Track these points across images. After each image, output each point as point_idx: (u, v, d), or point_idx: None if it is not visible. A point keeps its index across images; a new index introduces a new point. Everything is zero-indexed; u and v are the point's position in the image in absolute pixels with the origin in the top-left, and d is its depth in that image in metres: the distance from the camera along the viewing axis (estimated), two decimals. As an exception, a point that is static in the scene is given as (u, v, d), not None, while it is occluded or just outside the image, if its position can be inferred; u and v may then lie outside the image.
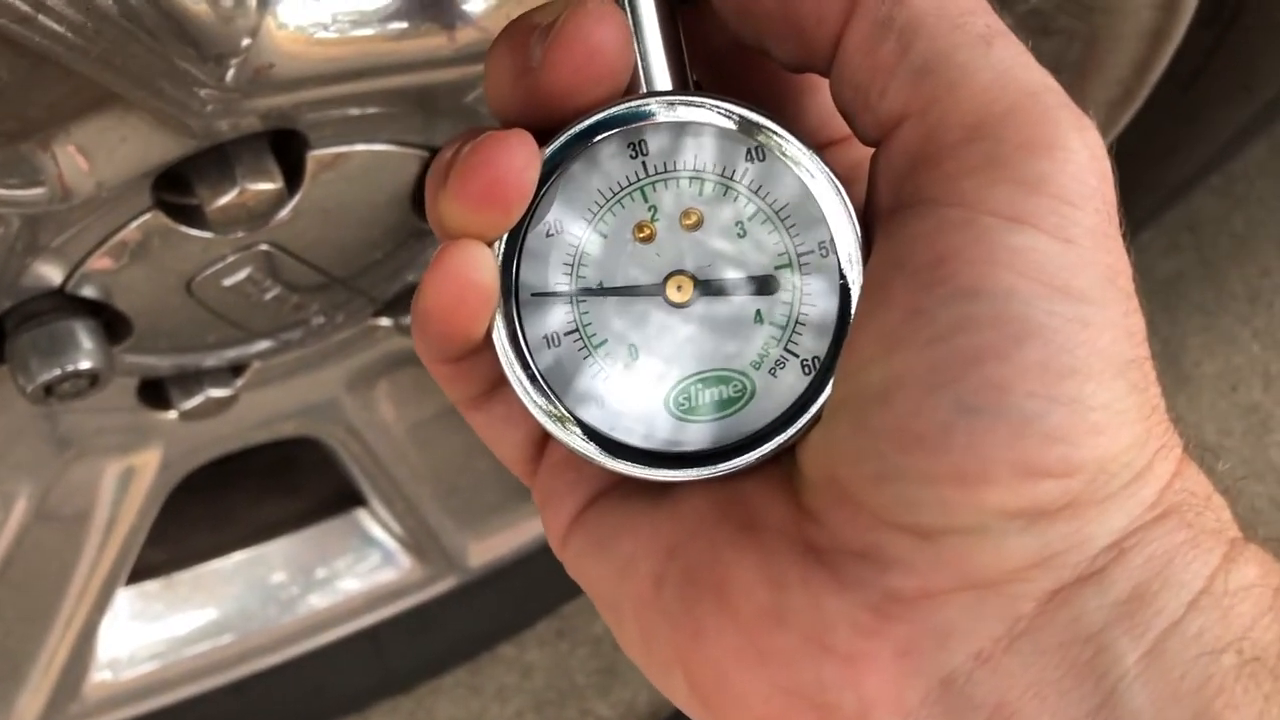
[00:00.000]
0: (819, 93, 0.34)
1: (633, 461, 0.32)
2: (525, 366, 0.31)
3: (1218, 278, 1.31)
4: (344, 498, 0.91)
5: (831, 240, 0.31)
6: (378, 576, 0.92)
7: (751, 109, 0.31)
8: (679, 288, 0.32)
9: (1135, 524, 0.28)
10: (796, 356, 0.32)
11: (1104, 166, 0.28)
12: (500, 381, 0.32)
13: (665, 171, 0.31)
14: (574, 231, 0.31)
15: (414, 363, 0.80)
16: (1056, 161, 0.27)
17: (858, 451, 0.28)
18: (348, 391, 0.79)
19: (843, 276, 0.31)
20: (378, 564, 0.92)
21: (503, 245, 0.31)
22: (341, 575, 0.91)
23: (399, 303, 0.71)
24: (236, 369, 0.70)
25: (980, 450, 0.27)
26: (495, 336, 0.31)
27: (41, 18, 0.33)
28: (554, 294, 0.32)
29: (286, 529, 0.90)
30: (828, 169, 0.31)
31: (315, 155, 0.54)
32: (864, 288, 0.30)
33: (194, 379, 0.68)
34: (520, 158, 0.29)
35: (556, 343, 0.32)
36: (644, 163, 0.31)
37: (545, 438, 0.34)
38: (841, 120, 0.33)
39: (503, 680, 1.09)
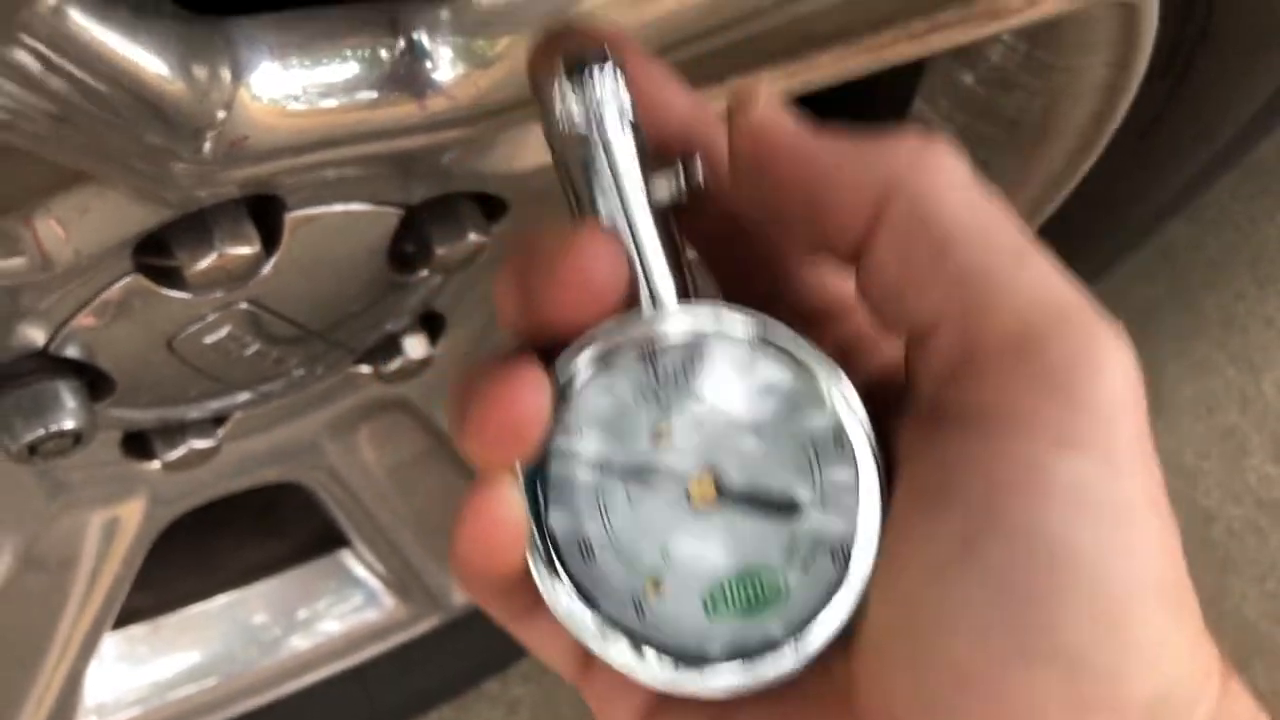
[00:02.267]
0: (816, 268, 0.35)
1: (676, 670, 0.32)
2: (560, 587, 0.32)
3: (1192, 303, 1.32)
4: (327, 539, 0.92)
5: (848, 437, 0.31)
6: (361, 616, 0.93)
7: (757, 316, 0.32)
8: (702, 490, 0.32)
9: None
10: (827, 550, 0.32)
11: (1138, 382, 0.29)
12: (541, 601, 0.33)
13: (674, 374, 0.32)
14: (594, 442, 0.32)
15: (394, 408, 0.81)
16: (1101, 380, 0.28)
17: (913, 688, 0.29)
18: (330, 437, 0.79)
19: (857, 466, 0.31)
20: (361, 604, 0.93)
21: (526, 470, 0.32)
22: (325, 616, 0.92)
23: (378, 351, 0.72)
24: (219, 419, 0.71)
25: (1033, 691, 0.27)
26: (530, 560, 0.32)
27: (16, 128, 0.35)
28: (581, 508, 0.32)
29: (271, 571, 0.91)
30: (838, 370, 0.32)
31: (293, 216, 0.55)
32: (912, 501, 0.31)
33: (177, 430, 0.69)
34: (528, 392, 0.31)
35: (589, 554, 0.32)
36: (653, 368, 0.32)
37: None
38: (839, 294, 0.34)
39: (488, 716, 1.10)
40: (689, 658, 0.32)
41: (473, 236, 0.60)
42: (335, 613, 0.90)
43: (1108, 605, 0.27)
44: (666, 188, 0.33)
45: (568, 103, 0.33)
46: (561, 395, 0.32)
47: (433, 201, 0.59)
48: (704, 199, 0.33)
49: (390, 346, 0.71)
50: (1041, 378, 0.28)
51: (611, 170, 0.33)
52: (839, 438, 0.31)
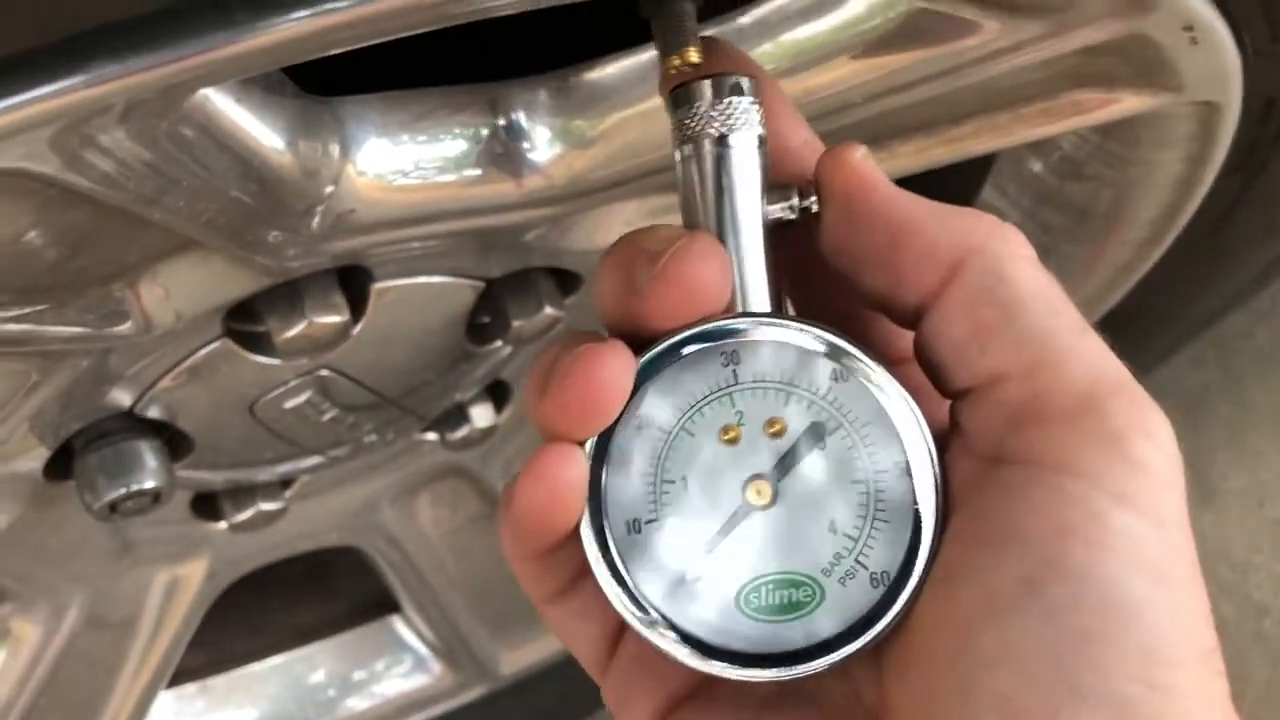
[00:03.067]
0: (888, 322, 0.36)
1: (700, 656, 0.33)
2: (607, 555, 0.33)
3: (1242, 392, 1.32)
4: (378, 604, 0.92)
5: (907, 463, 0.33)
6: (409, 683, 0.93)
7: (839, 335, 0.33)
8: (759, 491, 0.33)
9: None
10: (866, 569, 0.33)
11: (1180, 457, 0.31)
12: (579, 576, 0.34)
13: (754, 381, 0.33)
14: (662, 427, 0.33)
15: (454, 474, 0.82)
16: (1154, 445, 0.30)
17: (959, 717, 0.29)
18: (390, 502, 0.80)
19: (916, 500, 0.33)
20: (409, 670, 0.93)
21: (594, 441, 0.33)
22: (373, 682, 0.92)
23: (445, 419, 0.73)
24: (286, 483, 0.72)
25: None
26: (582, 529, 0.33)
27: (161, 203, 0.36)
28: (639, 489, 0.33)
29: (320, 634, 0.91)
30: (908, 396, 0.33)
31: (378, 287, 0.56)
32: (973, 537, 0.32)
33: (246, 492, 0.70)
34: (613, 370, 0.32)
35: (637, 529, 0.33)
36: (735, 371, 0.33)
37: (619, 633, 0.35)
38: (900, 347, 0.35)
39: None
40: (715, 643, 0.33)
41: (549, 310, 0.61)
42: (385, 679, 0.90)
43: (1157, 657, 0.28)
44: (780, 208, 0.34)
45: (708, 113, 0.34)
46: (642, 381, 0.33)
47: (511, 276, 0.61)
48: (808, 228, 0.34)
49: (458, 415, 0.72)
50: (1105, 437, 0.30)
51: (735, 181, 0.34)
52: (906, 468, 0.33)
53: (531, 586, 0.36)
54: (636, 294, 0.32)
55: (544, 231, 0.58)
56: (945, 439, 0.34)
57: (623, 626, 0.34)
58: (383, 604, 0.93)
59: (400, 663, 0.91)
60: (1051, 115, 0.51)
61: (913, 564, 0.33)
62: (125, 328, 0.48)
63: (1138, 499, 0.29)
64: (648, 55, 0.48)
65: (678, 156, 0.35)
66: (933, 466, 0.33)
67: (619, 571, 0.33)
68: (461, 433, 0.73)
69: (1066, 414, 0.30)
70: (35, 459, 0.57)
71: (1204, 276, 0.71)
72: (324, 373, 0.60)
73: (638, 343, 0.33)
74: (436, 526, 0.85)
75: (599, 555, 0.33)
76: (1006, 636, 0.29)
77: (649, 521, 0.33)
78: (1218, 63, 0.48)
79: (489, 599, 0.90)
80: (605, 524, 0.33)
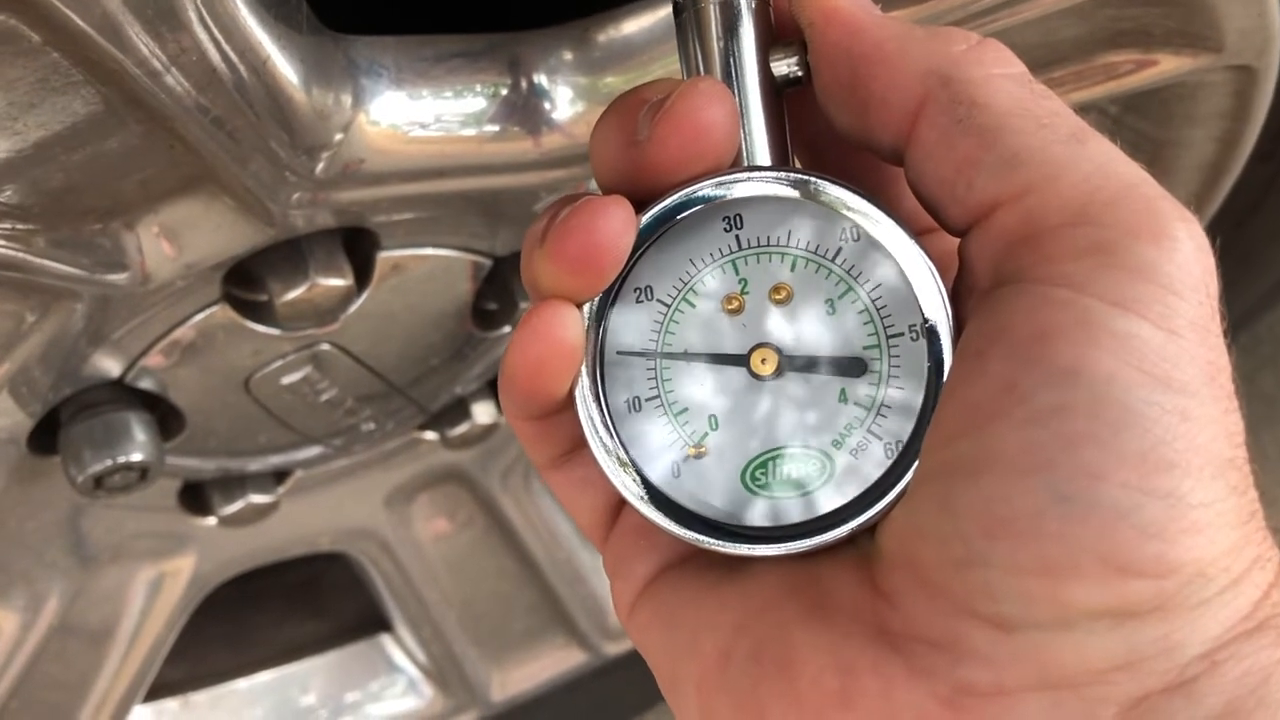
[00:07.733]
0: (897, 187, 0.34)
1: (705, 533, 0.32)
2: (605, 427, 0.32)
3: (1249, 439, 1.30)
4: (367, 622, 0.89)
5: (923, 324, 0.31)
6: (398, 707, 0.89)
7: (850, 189, 0.31)
8: (764, 361, 0.32)
9: (1229, 635, 0.26)
10: (880, 439, 0.31)
11: (1208, 260, 0.28)
12: (581, 444, 0.33)
13: (758, 246, 0.32)
14: (663, 298, 0.32)
15: (452, 479, 0.79)
16: (1163, 250, 0.27)
17: (941, 533, 0.28)
18: (385, 506, 0.77)
19: (933, 359, 0.31)
20: (400, 693, 0.89)
21: (593, 306, 0.31)
22: (360, 705, 0.88)
23: (445, 415, 0.70)
24: (279, 476, 0.69)
25: (1070, 541, 0.26)
26: (578, 395, 0.32)
27: (170, 75, 0.34)
28: (638, 358, 0.32)
29: (308, 652, 0.87)
30: (924, 253, 0.31)
31: (385, 257, 0.55)
32: (957, 355, 0.30)
33: (236, 483, 0.68)
34: (616, 223, 0.30)
35: (637, 407, 0.32)
36: (737, 236, 0.32)
37: (620, 503, 0.34)
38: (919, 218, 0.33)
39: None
40: (721, 521, 0.32)
41: (558, 293, 0.60)
42: (373, 702, 0.87)
43: (1157, 464, 0.25)
44: (785, 64, 0.33)
45: None
46: (642, 246, 0.31)
47: (519, 254, 0.59)
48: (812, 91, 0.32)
49: (458, 410, 0.70)
50: (1100, 247, 0.27)
51: (737, 36, 0.32)
52: (922, 332, 0.31)
53: (532, 450, 0.34)
54: (639, 142, 0.30)
55: (556, 206, 0.56)
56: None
57: (623, 498, 0.32)
58: (372, 623, 0.90)
59: (391, 685, 0.87)
60: (1083, 80, 0.50)
61: (926, 429, 0.30)
62: (122, 277, 0.46)
63: (1137, 305, 0.26)
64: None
65: (677, 16, 0.33)
66: (949, 328, 0.31)
67: (619, 449, 0.32)
68: (462, 429, 0.70)
69: (1056, 230, 0.28)
70: (21, 420, 0.54)
71: (1227, 277, 0.69)
72: (324, 347, 0.58)
73: (638, 203, 0.31)
74: (431, 535, 0.82)
75: (598, 429, 0.32)
76: (988, 444, 0.27)
77: (650, 398, 0.32)
78: (1261, 15, 0.47)
79: (483, 618, 0.87)
80: (603, 397, 0.32)
